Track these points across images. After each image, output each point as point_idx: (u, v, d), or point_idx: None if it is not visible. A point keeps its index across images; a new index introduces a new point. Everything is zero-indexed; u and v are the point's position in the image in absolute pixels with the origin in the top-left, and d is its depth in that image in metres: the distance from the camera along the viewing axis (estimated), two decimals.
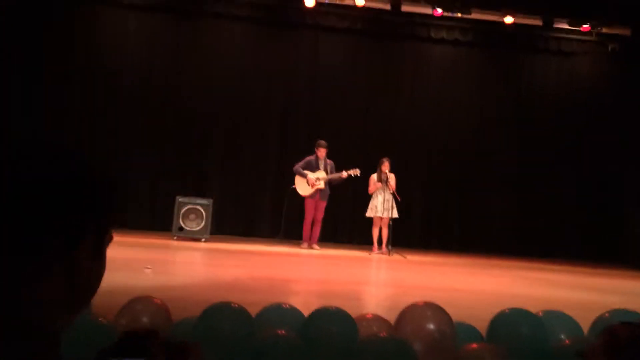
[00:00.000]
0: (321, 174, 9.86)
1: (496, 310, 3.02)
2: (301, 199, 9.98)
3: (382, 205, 9.89)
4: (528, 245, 11.67)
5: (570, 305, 4.47)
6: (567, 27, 11.67)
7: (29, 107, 10.70)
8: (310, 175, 9.81)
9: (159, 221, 10.60)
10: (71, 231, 0.77)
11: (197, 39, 11.57)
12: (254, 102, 11.54)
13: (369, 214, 10.09)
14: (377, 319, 2.97)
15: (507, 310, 2.91)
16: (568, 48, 12.19)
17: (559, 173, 11.94)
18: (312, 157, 9.96)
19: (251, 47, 11.68)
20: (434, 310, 2.82)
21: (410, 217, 11.27)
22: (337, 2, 11.35)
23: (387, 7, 11.32)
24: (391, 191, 9.88)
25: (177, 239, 9.25)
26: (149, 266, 5.87)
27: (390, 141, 11.64)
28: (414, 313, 2.84)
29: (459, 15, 11.24)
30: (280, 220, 10.51)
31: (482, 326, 3.02)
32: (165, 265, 6.81)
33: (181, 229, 9.37)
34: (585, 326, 2.98)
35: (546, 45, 12.19)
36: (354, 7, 11.21)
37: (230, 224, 11.18)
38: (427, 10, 11.38)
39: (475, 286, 6.65)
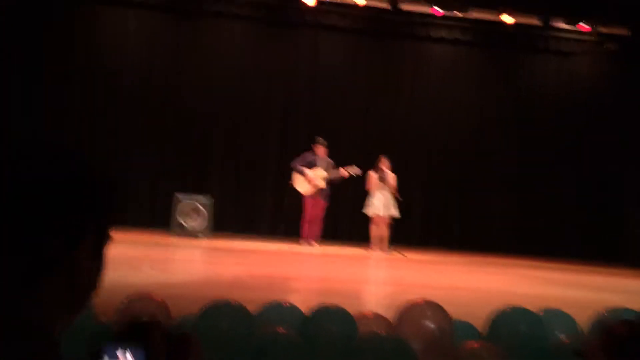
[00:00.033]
0: (320, 171, 9.85)
1: (495, 308, 3.03)
2: (300, 197, 9.97)
3: (380, 203, 9.89)
4: (528, 244, 11.66)
5: (569, 303, 4.47)
6: (566, 27, 11.67)
7: (29, 107, 10.70)
8: (309, 173, 9.79)
9: (159, 219, 10.59)
10: (71, 231, 0.78)
11: (197, 38, 11.57)
12: (253, 101, 11.54)
13: (367, 211, 10.07)
14: (377, 317, 2.97)
15: (507, 309, 2.92)
16: (567, 48, 12.19)
17: (558, 172, 11.94)
18: (311, 154, 9.94)
19: (251, 47, 11.67)
20: (433, 308, 2.83)
21: (410, 216, 11.27)
22: (338, 0, 11.35)
23: (387, 6, 11.32)
24: (391, 191, 9.88)
25: (176, 237, 9.25)
26: (149, 264, 5.88)
27: (389, 140, 11.63)
28: (413, 311, 2.85)
29: (458, 14, 11.25)
30: (279, 219, 10.52)
31: (480, 324, 3.03)
32: (164, 263, 6.82)
33: (180, 226, 9.37)
34: (584, 325, 2.98)
35: (546, 45, 12.19)
36: (355, 6, 11.21)
37: (230, 221, 11.18)
38: (427, 10, 11.38)
39: (474, 284, 6.66)
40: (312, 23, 11.60)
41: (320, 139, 9.98)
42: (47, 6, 10.86)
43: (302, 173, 9.83)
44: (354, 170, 9.86)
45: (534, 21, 11.46)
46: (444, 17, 11.52)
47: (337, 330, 2.70)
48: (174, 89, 11.37)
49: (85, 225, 0.79)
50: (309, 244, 9.77)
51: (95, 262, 0.82)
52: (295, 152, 10.47)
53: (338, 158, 10.18)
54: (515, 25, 11.45)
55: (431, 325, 2.76)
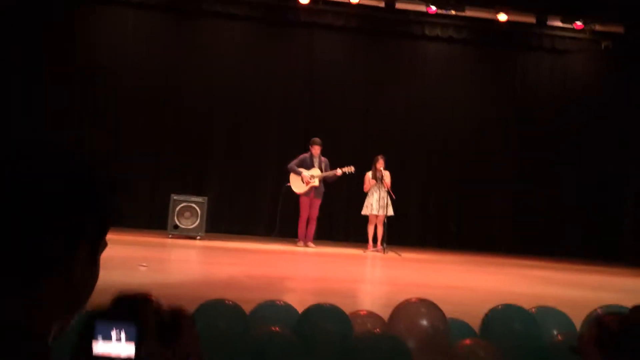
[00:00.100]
0: (315, 171, 9.86)
1: (490, 307, 3.03)
2: (296, 197, 9.98)
3: (377, 203, 9.90)
4: (526, 243, 11.70)
5: (564, 302, 4.48)
6: (561, 24, 11.70)
7: (29, 107, 10.69)
8: (305, 172, 9.81)
9: (156, 219, 10.58)
10: (71, 232, 0.77)
11: (195, 38, 11.58)
12: (252, 101, 11.55)
13: (364, 212, 10.09)
14: (371, 315, 2.97)
15: (500, 307, 2.92)
16: (562, 46, 12.23)
17: (556, 171, 11.97)
18: (306, 155, 9.96)
19: (249, 46, 11.69)
20: (428, 306, 2.83)
21: (407, 215, 11.29)
22: None
23: (382, 4, 11.33)
24: (386, 189, 9.89)
25: (172, 237, 9.25)
26: (144, 264, 5.87)
27: (386, 138, 11.66)
28: (407, 309, 2.85)
29: (453, 12, 11.26)
30: (275, 219, 10.52)
31: (476, 323, 3.03)
32: (160, 263, 6.80)
33: (176, 226, 9.36)
34: (578, 322, 2.99)
35: (540, 43, 12.22)
36: (349, 5, 11.23)
37: (226, 222, 11.19)
38: (421, 8, 11.40)
39: (470, 283, 6.67)
40: (309, 22, 11.61)
41: (316, 139, 9.98)
42: (47, 6, 10.85)
43: (297, 173, 9.84)
44: (349, 169, 9.87)
45: (529, 19, 11.49)
46: (438, 15, 11.55)
47: (332, 329, 2.70)
48: (173, 88, 11.38)
49: (85, 226, 0.79)
50: (305, 243, 9.77)
51: (91, 265, 0.81)
52: (293, 152, 10.48)
53: (335, 156, 10.19)
54: (510, 23, 11.49)
55: (426, 323, 2.76)
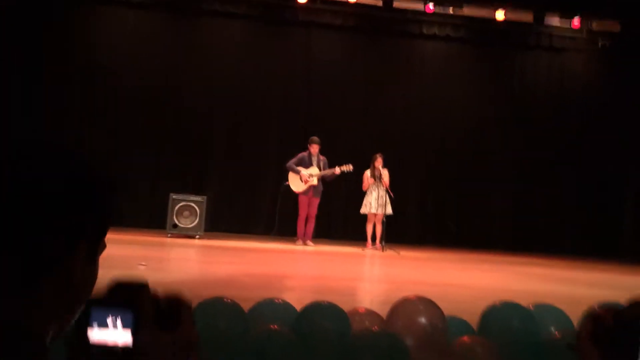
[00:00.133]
0: (314, 170, 9.87)
1: (488, 304, 3.04)
2: (295, 196, 9.99)
3: (375, 202, 9.91)
4: (524, 241, 11.71)
5: (562, 299, 4.49)
6: (558, 24, 11.72)
7: (29, 107, 10.68)
8: (303, 171, 9.82)
9: (156, 219, 10.59)
10: (71, 231, 0.77)
11: (194, 37, 11.59)
12: (250, 99, 11.56)
13: (363, 210, 10.10)
14: (370, 313, 2.98)
15: (497, 304, 2.93)
16: (560, 44, 12.25)
17: (554, 169, 11.99)
18: (304, 154, 9.96)
19: (248, 45, 11.71)
20: (426, 304, 2.84)
21: (405, 213, 11.30)
22: None
23: (379, 3, 11.34)
24: (385, 187, 9.90)
25: (171, 236, 9.25)
26: (143, 263, 5.87)
27: (385, 137, 11.67)
28: (405, 307, 2.86)
29: (451, 11, 11.28)
30: (274, 217, 10.53)
31: (474, 320, 3.04)
32: (159, 262, 6.80)
33: (175, 226, 9.37)
34: (576, 319, 3.00)
35: (538, 42, 12.23)
36: (348, 3, 11.24)
37: (225, 221, 11.19)
38: (418, 6, 11.41)
39: (468, 281, 6.67)
40: (307, 21, 11.62)
41: (314, 138, 9.99)
42: (47, 6, 10.85)
43: (296, 172, 9.84)
44: (347, 167, 9.87)
45: (526, 17, 11.50)
46: (436, 14, 11.56)
47: (330, 327, 2.70)
48: (172, 88, 11.40)
49: (85, 226, 0.79)
50: (304, 242, 9.78)
51: (91, 265, 0.81)
52: (292, 150, 10.50)
53: (334, 156, 10.20)
54: (508, 22, 11.49)
55: (424, 321, 2.77)
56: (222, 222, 11.08)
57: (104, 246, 0.85)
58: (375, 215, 9.95)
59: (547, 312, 2.96)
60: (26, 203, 0.75)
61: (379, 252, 9.55)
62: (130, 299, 0.83)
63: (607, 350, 0.96)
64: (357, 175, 10.18)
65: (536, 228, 11.90)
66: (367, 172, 10.07)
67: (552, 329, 2.81)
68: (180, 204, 9.40)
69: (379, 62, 11.99)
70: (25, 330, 0.74)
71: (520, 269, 8.52)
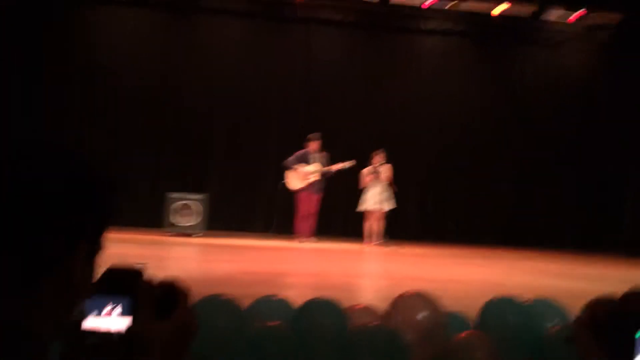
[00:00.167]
0: (315, 167, 9.85)
1: (487, 299, 3.03)
2: (294, 193, 9.97)
3: (373, 199, 9.90)
4: (524, 236, 11.70)
5: (561, 293, 4.48)
6: (554, 18, 11.71)
7: (29, 107, 10.67)
8: (302, 168, 9.80)
9: (156, 218, 10.58)
10: (71, 231, 0.76)
11: (194, 35, 11.59)
12: (249, 98, 11.55)
13: (360, 208, 10.08)
14: (368, 309, 2.97)
15: (496, 299, 2.92)
16: (558, 38, 12.21)
17: (554, 164, 11.97)
18: (304, 151, 9.94)
19: (247, 43, 11.70)
20: (425, 300, 2.83)
21: (405, 209, 11.29)
22: None
23: None
24: (387, 182, 9.90)
25: (170, 235, 9.24)
26: (142, 262, 5.86)
27: (385, 133, 11.66)
28: (404, 303, 2.85)
29: (448, 6, 11.27)
30: (273, 215, 10.53)
31: (473, 316, 3.03)
32: (158, 260, 6.79)
33: (172, 224, 9.35)
34: (575, 314, 2.99)
35: (537, 36, 12.21)
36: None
37: (225, 219, 11.18)
38: (416, 2, 11.40)
39: (468, 277, 6.67)
40: (306, 18, 11.60)
41: (314, 134, 9.97)
42: (47, 6, 10.83)
43: (294, 169, 9.83)
44: (349, 163, 9.86)
45: (524, 11, 11.48)
46: (434, 9, 11.55)
47: (328, 323, 2.69)
48: (172, 87, 11.39)
49: (85, 226, 0.78)
50: (303, 239, 9.77)
51: (89, 266, 0.80)
52: (291, 148, 10.48)
53: (334, 153, 10.19)
54: (506, 16, 11.48)
55: (423, 316, 2.76)
56: (221, 220, 11.07)
57: (103, 246, 0.83)
58: (372, 211, 9.93)
59: (546, 306, 2.95)
60: (26, 203, 0.74)
61: (379, 249, 9.54)
62: (124, 285, 0.82)
63: (604, 339, 0.96)
64: (356, 172, 10.17)
65: (536, 224, 11.89)
66: (365, 170, 10.05)
67: (551, 323, 2.80)
68: (179, 203, 9.39)
69: (378, 58, 11.97)
70: (27, 330, 0.73)
71: (519, 264, 8.52)
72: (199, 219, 9.41)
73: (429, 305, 2.81)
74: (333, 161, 9.91)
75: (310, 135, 10.00)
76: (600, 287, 5.78)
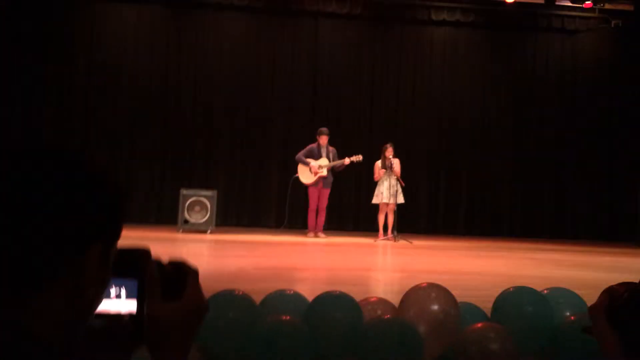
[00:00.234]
0: (324, 161, 9.83)
1: (501, 290, 3.01)
2: (305, 188, 9.97)
3: (387, 191, 9.86)
4: (535, 228, 11.66)
5: (576, 283, 4.45)
6: (569, 4, 11.57)
7: (29, 107, 10.72)
8: (313, 163, 9.79)
9: (165, 215, 10.64)
10: (79, 233, 0.75)
11: (198, 31, 11.58)
12: (256, 93, 11.54)
13: (375, 200, 10.04)
14: (381, 301, 2.96)
15: (511, 289, 2.90)
16: (571, 26, 12.08)
17: (566, 155, 11.88)
18: (314, 145, 9.93)
19: (254, 37, 11.68)
20: (438, 291, 2.81)
21: (416, 202, 11.26)
22: None
23: None
24: (396, 177, 9.85)
25: (182, 232, 9.27)
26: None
27: (394, 127, 11.63)
28: (417, 295, 2.84)
29: None
30: (285, 210, 10.53)
31: (487, 307, 3.01)
32: (170, 257, 6.82)
33: (186, 221, 9.38)
34: (591, 303, 2.96)
35: (549, 23, 12.05)
36: None
37: (236, 215, 11.21)
38: None
39: (481, 268, 6.64)
40: (313, 11, 11.55)
41: (323, 129, 9.95)
42: (47, 6, 10.87)
43: (305, 164, 9.82)
44: (357, 158, 9.83)
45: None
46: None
47: (341, 317, 2.69)
48: (177, 83, 11.42)
49: (94, 228, 0.76)
50: (315, 234, 9.77)
51: (101, 272, 0.78)
52: (300, 142, 10.48)
53: (343, 145, 10.18)
54: (517, 4, 11.38)
55: (436, 308, 2.75)
56: (232, 216, 11.11)
57: (116, 250, 0.82)
58: (387, 205, 9.90)
59: (562, 296, 2.93)
60: (32, 206, 0.73)
61: (391, 242, 9.52)
62: (133, 266, 0.81)
63: (620, 323, 0.95)
64: (367, 166, 10.15)
65: (549, 216, 11.82)
66: (378, 163, 10.01)
67: (567, 313, 2.77)
68: (191, 199, 9.41)
69: (388, 50, 11.93)
70: (30, 333, 0.72)
71: (534, 254, 8.47)
72: (211, 215, 9.44)
73: (442, 296, 2.79)
74: (341, 155, 9.89)
75: (319, 129, 9.98)
76: (616, 277, 5.73)
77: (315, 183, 9.79)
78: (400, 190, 9.87)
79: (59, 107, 10.96)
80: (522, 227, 11.72)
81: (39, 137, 10.23)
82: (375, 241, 9.66)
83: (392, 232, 9.76)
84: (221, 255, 7.44)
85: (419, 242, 9.50)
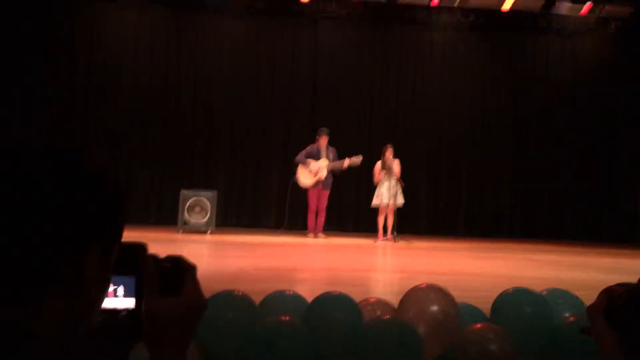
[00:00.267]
0: (323, 162, 9.83)
1: (500, 291, 3.01)
2: (305, 189, 9.97)
3: (387, 192, 9.85)
4: (535, 229, 11.64)
5: (575, 284, 4.46)
6: (567, 11, 11.59)
7: (29, 108, 10.72)
8: (313, 164, 9.79)
9: (165, 216, 10.63)
10: (78, 234, 0.75)
11: (198, 32, 11.58)
12: (257, 94, 11.55)
13: (375, 202, 10.01)
14: (381, 302, 2.97)
15: (510, 290, 2.90)
16: (569, 29, 12.08)
17: (566, 156, 11.87)
18: (313, 146, 9.93)
19: (253, 39, 11.68)
20: (437, 292, 2.82)
21: (416, 202, 11.26)
22: None
23: None
24: (396, 177, 9.84)
25: (182, 233, 9.27)
26: None
27: (394, 127, 11.63)
28: (417, 295, 2.84)
29: (456, 4, 11.20)
30: (284, 211, 10.53)
31: (486, 307, 3.01)
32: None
33: (186, 222, 9.38)
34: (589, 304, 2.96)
35: (548, 26, 12.04)
36: None
37: (236, 216, 11.22)
38: (425, 1, 11.35)
39: (480, 269, 6.65)
40: (313, 13, 11.56)
41: (323, 129, 9.95)
42: (47, 6, 10.87)
43: (305, 165, 9.82)
44: (357, 159, 9.82)
45: (534, 5, 11.36)
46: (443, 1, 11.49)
47: (341, 317, 2.69)
48: (177, 84, 11.41)
49: (94, 229, 0.77)
50: (315, 235, 9.77)
51: (102, 272, 0.78)
52: (299, 144, 10.48)
53: (342, 147, 10.17)
54: (516, 10, 11.39)
55: (436, 308, 2.75)
56: (232, 217, 11.11)
57: (116, 252, 0.82)
58: (387, 206, 9.89)
59: (560, 297, 2.93)
60: (33, 207, 0.73)
61: (391, 243, 9.52)
62: (130, 262, 0.80)
63: (618, 323, 0.95)
64: (367, 166, 10.14)
65: (548, 216, 11.81)
66: (378, 164, 9.99)
67: (566, 314, 2.78)
68: (191, 200, 9.41)
69: (387, 52, 11.92)
70: (30, 333, 0.72)
71: (533, 255, 8.47)
72: (211, 216, 9.44)
73: (441, 297, 2.80)
74: (341, 156, 9.88)
75: (319, 129, 9.98)
76: (616, 278, 5.73)
77: (315, 184, 9.79)
78: (400, 191, 9.87)
79: (59, 107, 10.96)
80: (522, 228, 11.72)
81: (39, 137, 10.23)
82: (375, 242, 9.65)
83: (392, 233, 9.75)
84: (221, 256, 7.44)
85: (419, 243, 9.50)
